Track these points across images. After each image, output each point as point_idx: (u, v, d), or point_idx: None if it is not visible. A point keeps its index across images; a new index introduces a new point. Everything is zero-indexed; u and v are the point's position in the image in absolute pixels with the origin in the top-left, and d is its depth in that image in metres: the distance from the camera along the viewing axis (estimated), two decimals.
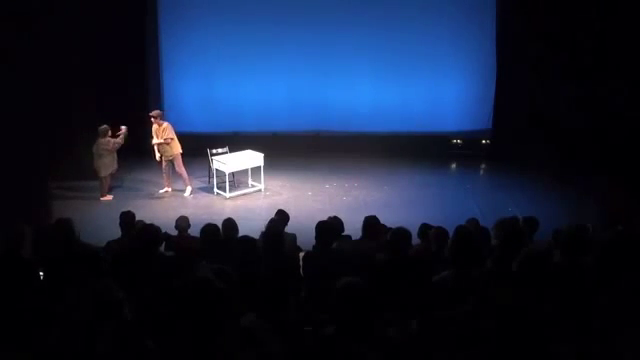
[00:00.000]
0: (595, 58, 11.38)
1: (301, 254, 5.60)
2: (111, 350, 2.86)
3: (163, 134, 10.72)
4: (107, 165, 10.52)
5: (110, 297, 2.95)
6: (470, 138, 13.46)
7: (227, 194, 10.93)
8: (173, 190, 11.19)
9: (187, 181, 11.11)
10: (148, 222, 5.77)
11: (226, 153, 11.29)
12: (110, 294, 2.96)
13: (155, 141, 10.81)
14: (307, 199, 10.94)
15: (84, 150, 10.74)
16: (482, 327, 3.19)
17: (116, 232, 6.45)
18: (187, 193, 11.06)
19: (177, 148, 10.87)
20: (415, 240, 5.84)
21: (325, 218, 5.95)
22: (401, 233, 5.03)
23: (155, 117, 10.77)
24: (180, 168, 10.95)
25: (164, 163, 10.96)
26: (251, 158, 11.21)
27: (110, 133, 10.49)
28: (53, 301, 3.80)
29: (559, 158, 11.72)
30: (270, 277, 4.54)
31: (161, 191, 11.16)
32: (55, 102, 9.96)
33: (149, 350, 2.95)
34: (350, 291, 3.06)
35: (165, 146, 10.79)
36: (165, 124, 10.79)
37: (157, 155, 10.93)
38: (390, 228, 6.77)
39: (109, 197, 10.70)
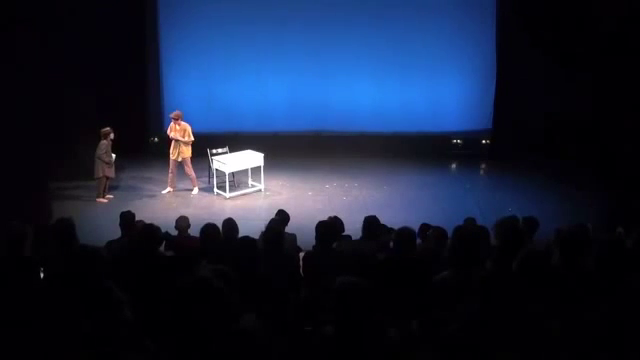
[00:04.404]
0: (595, 58, 11.39)
1: (301, 254, 5.60)
2: (111, 350, 2.86)
3: (183, 134, 10.79)
4: (107, 167, 10.49)
5: (110, 297, 2.95)
6: (470, 138, 13.47)
7: (227, 194, 10.93)
8: (175, 190, 11.20)
9: (195, 182, 11.18)
10: (148, 222, 5.77)
11: (226, 153, 11.30)
12: (110, 294, 2.96)
13: (178, 137, 10.81)
14: (307, 199, 10.94)
15: (84, 150, 10.74)
16: (482, 327, 3.19)
17: (116, 232, 6.45)
18: (195, 192, 11.16)
19: (190, 150, 10.95)
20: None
21: (325, 218, 5.95)
22: (407, 233, 5.04)
23: (175, 118, 10.85)
24: (190, 169, 11.01)
25: (173, 163, 10.98)
26: (251, 158, 11.21)
27: (112, 136, 10.48)
28: (53, 301, 3.80)
29: (559, 158, 11.73)
30: (270, 277, 4.54)
31: (164, 192, 11.16)
32: (55, 102, 9.97)
33: (149, 350, 2.95)
34: (346, 290, 3.06)
35: (183, 147, 10.84)
36: (184, 124, 10.86)
37: (174, 154, 10.92)
38: (391, 228, 6.79)
39: (105, 200, 10.67)
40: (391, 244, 5.76)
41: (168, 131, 11.02)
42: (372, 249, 5.48)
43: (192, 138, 10.87)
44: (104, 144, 10.39)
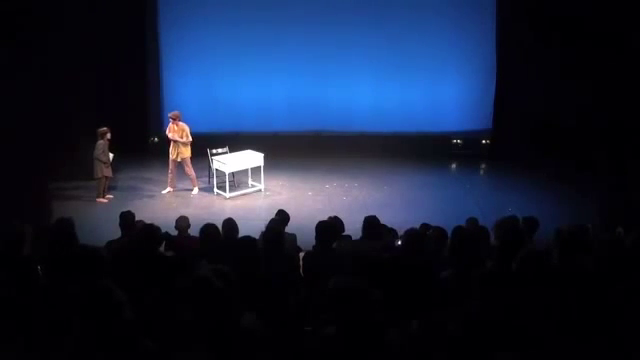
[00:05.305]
0: (595, 58, 11.39)
1: (301, 254, 5.60)
2: (111, 350, 2.86)
3: (181, 134, 10.80)
4: (104, 167, 10.49)
5: (110, 297, 2.95)
6: (470, 138, 13.47)
7: (227, 194, 10.93)
8: (175, 190, 11.20)
9: (195, 182, 11.18)
10: (148, 222, 5.77)
11: (226, 153, 11.30)
12: (110, 294, 2.96)
13: (176, 138, 10.81)
14: (307, 199, 10.94)
15: (84, 150, 10.74)
16: (481, 327, 3.19)
17: (116, 232, 6.44)
18: (195, 192, 11.16)
19: (189, 150, 10.94)
20: None
21: (325, 218, 5.95)
22: (416, 233, 5.05)
23: (174, 118, 10.85)
24: (190, 169, 11.02)
25: (172, 164, 10.98)
26: (251, 158, 11.21)
27: (109, 136, 10.47)
28: (53, 301, 3.80)
29: (559, 158, 11.72)
30: (270, 277, 4.54)
31: (164, 192, 11.16)
32: (55, 102, 9.96)
33: (149, 350, 2.95)
34: (340, 290, 3.05)
35: (182, 147, 10.84)
36: (182, 125, 10.86)
37: (173, 154, 10.92)
38: (391, 228, 6.79)
39: (105, 200, 10.67)
40: (398, 242, 5.77)
41: (167, 131, 11.02)
42: (375, 249, 5.48)
43: (190, 138, 10.87)
44: (101, 144, 10.38)
